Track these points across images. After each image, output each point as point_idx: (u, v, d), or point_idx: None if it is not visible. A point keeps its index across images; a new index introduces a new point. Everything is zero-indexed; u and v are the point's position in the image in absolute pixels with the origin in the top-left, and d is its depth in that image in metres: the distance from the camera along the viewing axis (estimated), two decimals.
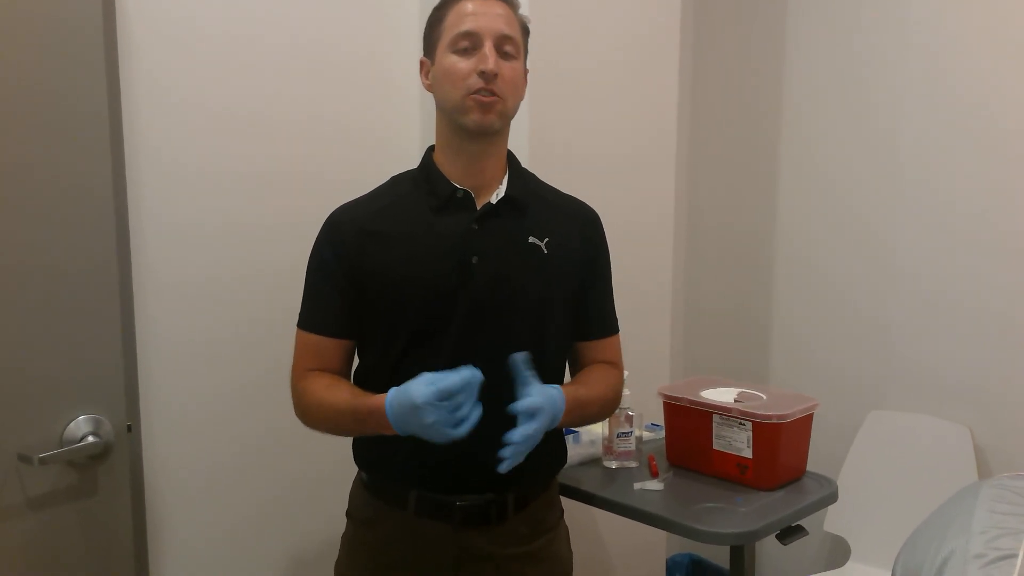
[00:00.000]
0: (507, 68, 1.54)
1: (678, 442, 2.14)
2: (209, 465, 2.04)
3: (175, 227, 1.94)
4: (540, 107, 2.22)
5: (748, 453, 1.98)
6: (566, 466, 1.83)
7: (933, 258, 2.65)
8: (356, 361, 1.69)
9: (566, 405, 1.52)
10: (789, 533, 1.90)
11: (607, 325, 1.75)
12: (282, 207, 2.10)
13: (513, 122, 1.64)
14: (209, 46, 1.96)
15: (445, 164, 1.62)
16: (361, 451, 1.69)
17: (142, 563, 1.91)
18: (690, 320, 3.28)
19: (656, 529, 1.95)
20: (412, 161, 1.71)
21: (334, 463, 1.90)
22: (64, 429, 1.58)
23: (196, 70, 1.95)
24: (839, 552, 2.82)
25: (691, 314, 3.28)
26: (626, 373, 1.82)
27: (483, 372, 1.43)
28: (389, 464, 1.64)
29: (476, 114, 1.53)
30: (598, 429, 2.16)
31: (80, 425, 1.60)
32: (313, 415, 1.60)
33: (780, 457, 1.97)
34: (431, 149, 1.67)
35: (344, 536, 1.74)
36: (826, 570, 2.79)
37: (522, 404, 1.43)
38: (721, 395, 2.10)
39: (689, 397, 2.09)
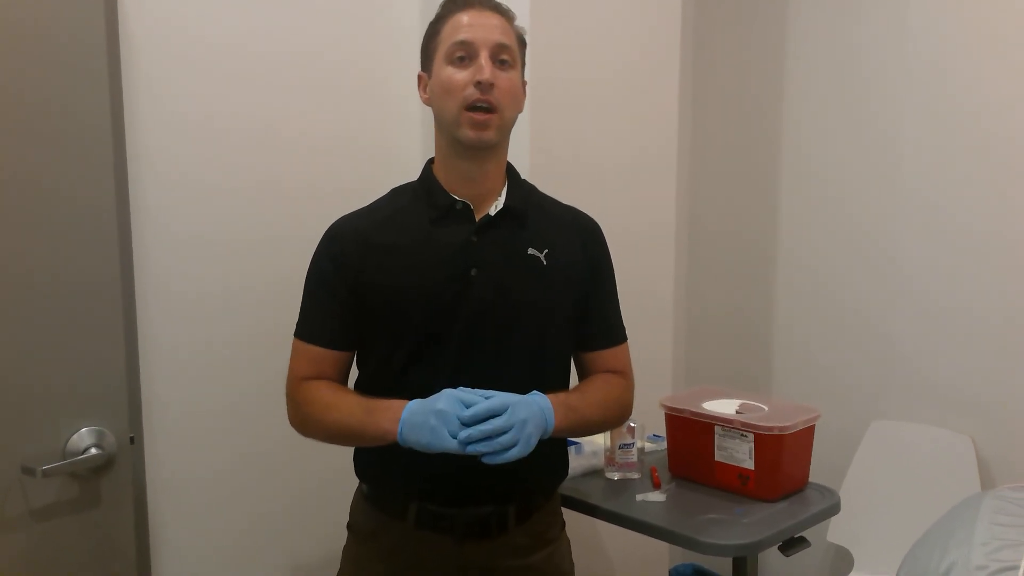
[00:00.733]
0: (504, 78, 1.55)
1: (680, 453, 2.14)
2: (211, 477, 2.04)
3: (178, 239, 1.94)
4: (541, 117, 2.22)
5: (750, 464, 1.98)
6: (568, 477, 1.83)
7: (935, 267, 2.65)
8: (354, 373, 1.69)
9: (555, 407, 1.51)
10: (792, 544, 1.89)
11: (612, 335, 1.74)
12: (284, 219, 2.10)
13: (513, 132, 1.65)
14: (211, 60, 1.97)
15: (444, 176, 1.63)
16: (362, 463, 1.69)
17: (144, 575, 1.91)
18: (692, 329, 3.28)
19: (658, 540, 1.94)
20: (412, 173, 1.72)
21: (335, 475, 1.90)
22: (67, 441, 1.58)
23: (198, 83, 1.96)
24: (842, 563, 2.81)
25: (693, 323, 3.28)
26: None
27: (482, 384, 1.47)
28: (390, 476, 1.63)
29: (471, 131, 1.53)
30: (600, 440, 2.16)
31: (83, 437, 1.60)
32: (315, 417, 1.59)
33: (782, 468, 1.97)
34: (431, 161, 1.68)
35: (345, 548, 1.74)
36: None
37: (480, 410, 1.43)
38: (723, 406, 2.10)
39: (691, 408, 2.08)
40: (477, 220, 1.60)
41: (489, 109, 1.53)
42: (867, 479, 2.72)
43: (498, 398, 1.44)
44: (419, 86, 1.66)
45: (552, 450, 1.69)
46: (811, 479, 2.07)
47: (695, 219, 3.26)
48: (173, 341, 1.95)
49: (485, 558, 1.63)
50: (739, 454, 2.00)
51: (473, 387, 1.48)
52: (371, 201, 1.71)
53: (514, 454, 1.42)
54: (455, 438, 1.41)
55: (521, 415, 1.43)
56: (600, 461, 2.16)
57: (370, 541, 1.68)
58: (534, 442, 1.45)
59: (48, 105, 1.53)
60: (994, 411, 2.54)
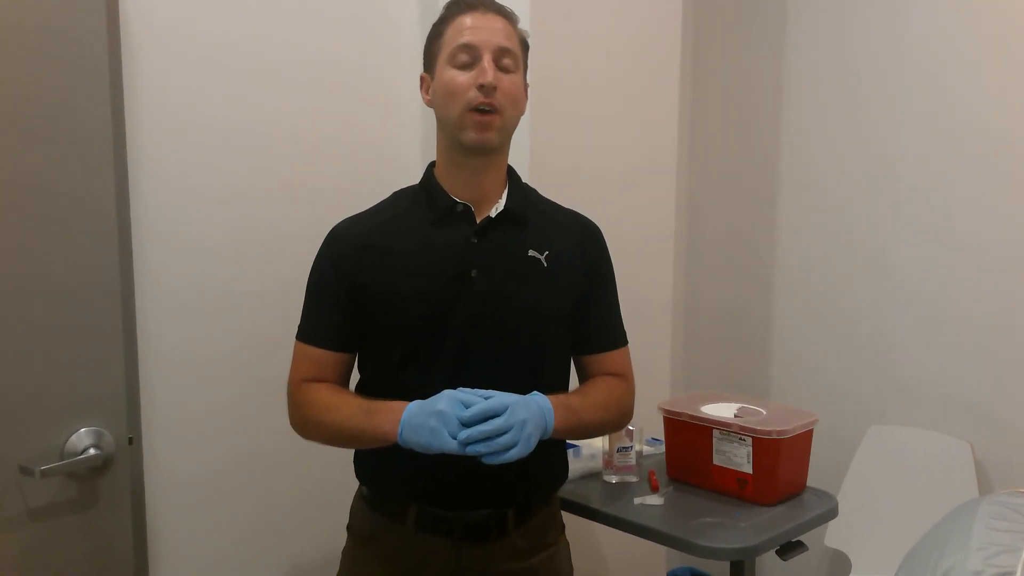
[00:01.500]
0: (506, 81, 1.55)
1: (678, 457, 2.14)
2: (210, 478, 2.04)
3: (177, 241, 1.95)
4: (541, 121, 2.23)
5: (748, 468, 1.98)
6: (566, 480, 1.83)
7: (933, 272, 2.66)
8: (355, 376, 1.70)
9: (555, 408, 1.51)
10: (789, 548, 1.90)
11: (612, 338, 1.74)
12: (283, 221, 2.10)
13: (514, 136, 1.65)
14: (212, 62, 1.98)
15: (445, 179, 1.63)
16: (362, 465, 1.69)
17: (142, 575, 1.91)
18: (690, 334, 3.28)
19: (656, 544, 1.94)
20: (413, 176, 1.72)
21: (335, 477, 1.90)
22: (65, 441, 1.59)
23: (199, 85, 1.96)
24: (840, 567, 2.81)
25: (691, 327, 3.28)
26: None
27: (481, 385, 1.48)
28: (390, 479, 1.64)
29: (474, 132, 1.54)
30: (598, 443, 2.16)
31: (81, 437, 1.60)
32: (315, 419, 1.59)
33: (780, 472, 1.97)
34: (432, 165, 1.68)
35: (344, 550, 1.74)
36: None
37: (480, 410, 1.43)
38: (721, 410, 2.10)
39: (689, 412, 2.09)
40: (478, 222, 1.61)
41: (491, 111, 1.53)
42: (865, 484, 2.72)
43: (497, 398, 1.45)
44: (421, 87, 1.66)
45: (551, 453, 1.69)
46: (809, 483, 2.07)
47: (694, 224, 3.26)
48: (172, 342, 1.95)
49: (484, 561, 1.63)
50: (737, 458, 2.00)
51: (472, 388, 1.48)
52: (372, 204, 1.71)
53: (514, 454, 1.42)
54: (455, 439, 1.41)
55: (520, 415, 1.43)
56: (598, 464, 2.16)
57: (369, 543, 1.68)
58: (534, 442, 1.46)
59: (49, 106, 1.53)
60: (992, 416, 2.55)
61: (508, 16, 1.60)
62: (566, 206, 1.76)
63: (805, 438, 2.04)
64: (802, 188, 2.98)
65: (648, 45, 2.55)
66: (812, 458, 2.07)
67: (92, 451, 1.60)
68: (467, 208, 1.61)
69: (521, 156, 2.14)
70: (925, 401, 2.69)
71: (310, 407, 1.60)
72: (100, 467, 1.62)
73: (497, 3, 1.61)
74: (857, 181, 2.82)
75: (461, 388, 1.47)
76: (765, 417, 2.04)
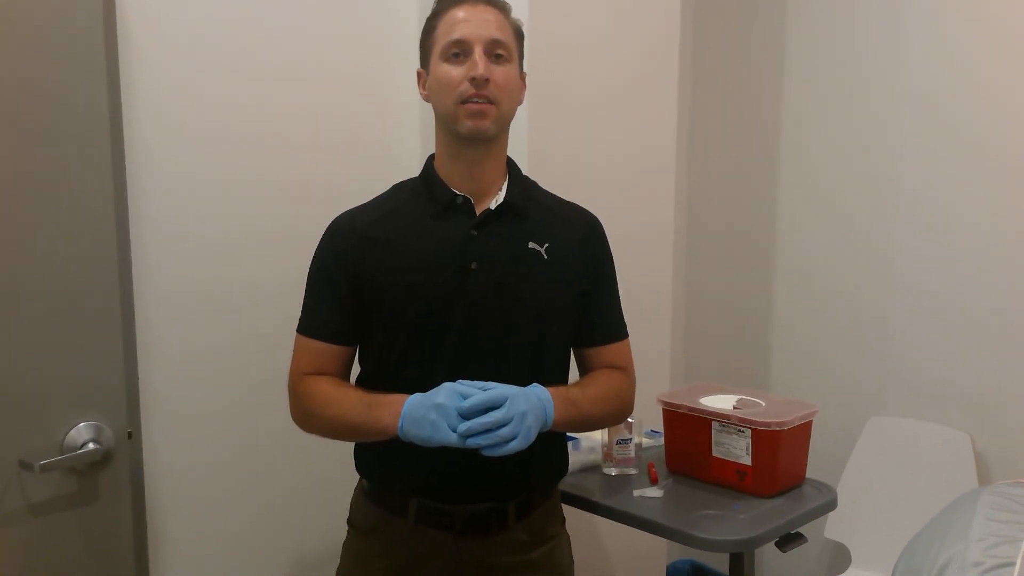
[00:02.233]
0: (499, 72, 1.55)
1: (677, 449, 2.14)
2: (210, 472, 2.04)
3: (176, 234, 1.94)
4: (539, 113, 2.22)
5: (747, 460, 1.98)
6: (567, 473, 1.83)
7: (933, 264, 2.66)
8: (356, 369, 1.70)
9: (555, 400, 1.51)
10: (788, 540, 1.90)
11: (613, 330, 1.74)
12: (282, 215, 2.10)
13: (512, 130, 1.65)
14: (210, 55, 1.97)
15: (445, 171, 1.63)
16: (363, 459, 1.69)
17: (143, 570, 1.91)
18: (690, 326, 3.29)
19: (656, 536, 1.94)
20: (412, 169, 1.72)
21: (336, 470, 1.90)
22: (65, 436, 1.59)
23: (197, 79, 1.95)
24: (839, 559, 2.82)
25: (691, 320, 3.29)
26: None
27: (482, 377, 1.48)
28: (391, 472, 1.64)
29: (469, 120, 1.53)
30: (597, 436, 2.17)
31: (81, 432, 1.60)
32: (316, 412, 1.59)
33: (779, 464, 1.98)
34: (432, 157, 1.68)
35: (345, 544, 1.74)
36: None
37: (477, 401, 1.44)
38: (720, 402, 2.10)
39: (688, 404, 2.09)
40: (477, 214, 1.61)
41: (485, 102, 1.53)
42: (864, 475, 2.73)
43: (496, 390, 1.44)
44: (418, 83, 1.66)
45: (552, 447, 1.70)
46: (808, 475, 2.07)
47: (694, 216, 3.26)
48: (171, 336, 1.95)
49: (485, 554, 1.63)
50: (736, 450, 2.00)
51: (472, 380, 1.48)
52: (371, 197, 1.71)
53: (514, 447, 1.42)
54: (455, 431, 1.41)
55: (520, 407, 1.43)
56: (598, 457, 2.16)
57: (370, 537, 1.68)
58: (534, 434, 1.45)
59: (46, 101, 1.53)
60: (992, 407, 2.55)
61: (500, 6, 1.60)
62: (566, 198, 1.76)
63: (804, 430, 2.05)
64: (802, 180, 2.97)
65: (647, 38, 2.54)
66: (811, 450, 2.07)
67: (92, 445, 1.60)
68: (467, 200, 1.61)
69: (520, 150, 2.14)
70: (925, 393, 2.69)
71: (311, 400, 1.59)
72: (100, 461, 1.62)
73: None
74: (857, 173, 2.82)
75: (461, 380, 1.47)
76: (764, 409, 2.05)
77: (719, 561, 2.94)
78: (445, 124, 1.59)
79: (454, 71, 1.54)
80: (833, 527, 2.73)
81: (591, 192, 1.92)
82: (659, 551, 2.72)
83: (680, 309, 3.20)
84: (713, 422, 2.04)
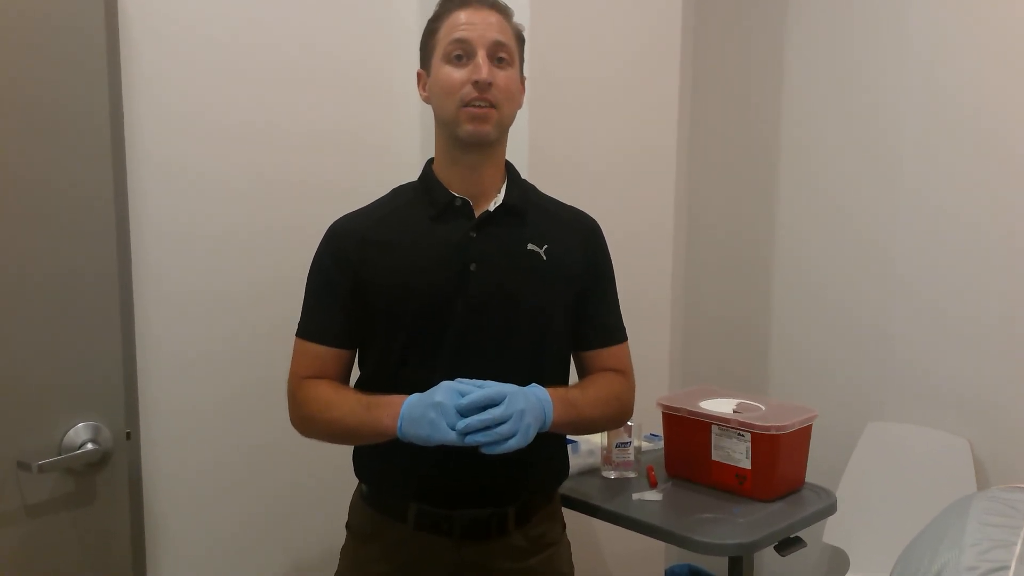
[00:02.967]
0: (501, 76, 1.55)
1: (677, 453, 2.14)
2: (208, 473, 2.04)
3: (176, 235, 1.95)
4: (539, 116, 2.23)
5: (747, 464, 1.98)
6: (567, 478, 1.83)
7: (933, 268, 2.66)
8: (356, 373, 1.70)
9: (555, 401, 1.51)
10: (787, 544, 1.90)
11: (612, 333, 1.74)
12: (282, 216, 2.10)
13: (512, 131, 1.65)
14: (211, 56, 1.97)
15: (444, 174, 1.63)
16: (362, 463, 1.69)
17: (140, 571, 1.91)
18: (689, 329, 3.29)
19: (654, 539, 1.94)
20: (412, 171, 1.72)
21: (334, 474, 1.90)
22: (63, 436, 1.59)
23: (198, 79, 1.96)
24: (838, 563, 2.81)
25: (690, 323, 3.28)
26: None
27: (482, 379, 1.47)
28: (389, 477, 1.64)
29: (470, 125, 1.54)
30: (597, 439, 2.16)
31: (79, 432, 1.60)
32: (314, 416, 1.58)
33: (779, 468, 1.97)
34: (431, 161, 1.68)
35: (343, 548, 1.74)
36: None
37: (475, 398, 1.43)
38: (720, 406, 2.10)
39: (688, 408, 2.09)
40: (476, 216, 1.61)
41: (487, 105, 1.53)
42: (863, 480, 2.72)
43: (494, 387, 1.44)
44: (418, 84, 1.66)
45: (552, 450, 1.69)
46: (808, 479, 2.07)
47: (693, 219, 3.26)
48: (170, 337, 1.95)
49: (484, 560, 1.62)
50: (736, 454, 2.00)
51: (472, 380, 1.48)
52: (371, 199, 1.71)
53: (513, 444, 1.41)
54: (454, 429, 1.40)
55: (518, 405, 1.43)
56: (597, 460, 2.16)
57: (369, 541, 1.68)
58: (532, 433, 1.45)
59: (47, 101, 1.53)
60: (991, 413, 2.55)
61: (502, 10, 1.60)
62: (566, 202, 1.76)
63: (804, 434, 2.04)
64: (802, 184, 2.97)
65: (648, 40, 2.54)
66: (811, 454, 2.07)
67: (90, 446, 1.60)
68: (466, 203, 1.61)
69: (521, 152, 2.14)
70: (924, 398, 2.69)
71: (310, 404, 1.59)
72: (98, 462, 1.63)
73: None
74: (857, 177, 2.82)
75: (459, 379, 1.47)
76: (764, 413, 2.04)
77: (718, 565, 2.94)
78: (445, 127, 1.59)
79: (456, 73, 1.54)
80: (832, 532, 2.72)
81: (591, 194, 1.93)
82: (658, 555, 2.72)
83: (680, 312, 3.20)
84: (713, 426, 2.04)
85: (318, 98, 2.17)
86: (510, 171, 1.69)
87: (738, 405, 2.10)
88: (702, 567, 3.17)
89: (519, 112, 1.65)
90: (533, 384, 1.52)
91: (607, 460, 2.13)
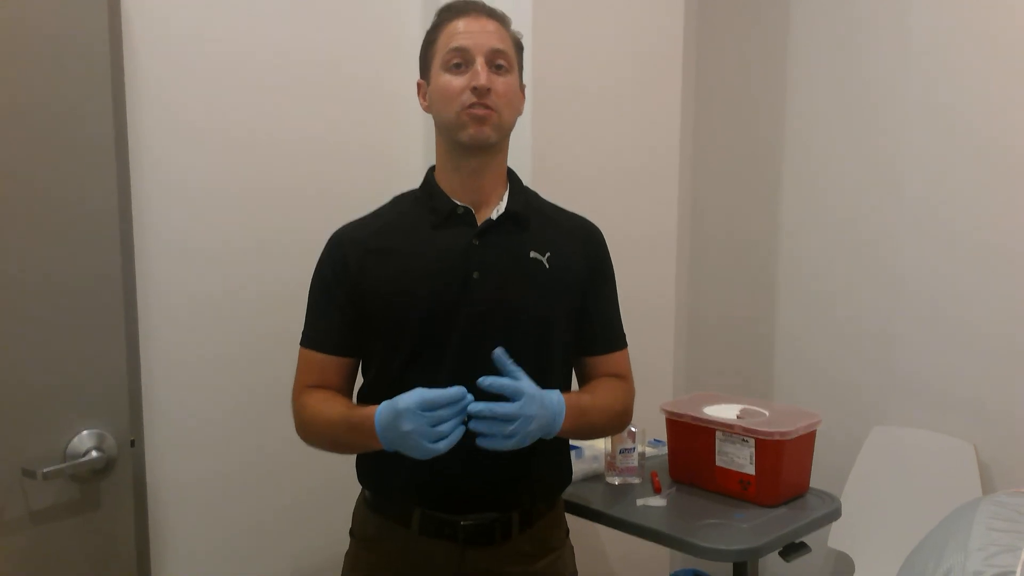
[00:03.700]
0: (500, 82, 1.55)
1: (681, 458, 2.14)
2: (212, 481, 2.04)
3: (180, 243, 1.95)
4: (542, 122, 2.23)
5: (751, 469, 1.98)
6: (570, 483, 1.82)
7: (936, 273, 2.65)
8: (359, 380, 1.70)
9: (567, 410, 1.51)
10: (792, 550, 1.89)
11: (613, 340, 1.74)
12: (286, 225, 2.11)
13: (515, 138, 1.65)
14: (214, 66, 1.98)
15: (445, 182, 1.63)
16: (365, 469, 1.69)
17: None
18: (693, 334, 3.28)
19: (659, 545, 1.94)
20: (415, 180, 1.72)
21: (337, 480, 1.90)
22: (68, 444, 1.59)
23: (201, 89, 1.96)
24: (843, 569, 2.80)
25: (694, 328, 3.28)
26: None
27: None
28: (393, 482, 1.64)
29: (471, 128, 1.54)
30: (600, 445, 2.16)
31: (84, 440, 1.61)
32: (310, 429, 1.60)
33: (783, 473, 1.97)
34: (432, 168, 1.68)
35: (347, 554, 1.74)
36: None
37: (499, 381, 1.42)
38: (723, 411, 2.10)
39: (691, 413, 2.08)
40: (479, 224, 1.61)
41: (487, 108, 1.54)
42: (868, 485, 2.72)
43: (523, 382, 1.43)
44: (419, 94, 1.67)
45: (556, 456, 1.70)
46: (812, 484, 2.07)
47: (697, 224, 3.26)
48: (174, 344, 1.96)
49: (489, 565, 1.62)
50: (740, 459, 2.00)
51: (474, 392, 1.47)
52: (374, 208, 1.71)
53: (509, 445, 1.42)
54: (435, 441, 1.39)
55: (529, 411, 1.42)
56: (601, 466, 2.16)
57: (373, 547, 1.68)
58: (530, 440, 1.45)
59: (52, 110, 1.54)
60: (996, 417, 2.54)
61: (500, 18, 1.61)
62: (568, 208, 1.76)
63: (808, 439, 2.04)
64: (805, 189, 2.97)
65: (650, 46, 2.55)
66: (815, 459, 2.07)
67: (94, 453, 1.60)
68: (468, 211, 1.61)
69: (523, 158, 2.15)
70: (928, 402, 2.68)
71: (306, 416, 1.60)
72: (102, 469, 1.63)
73: (488, 6, 1.62)
74: (860, 181, 2.82)
75: (420, 388, 1.43)
76: (768, 418, 2.04)
77: (722, 571, 2.93)
78: (446, 133, 1.59)
79: (455, 81, 1.55)
80: (837, 537, 2.72)
81: (595, 201, 1.93)
82: (662, 560, 2.72)
83: (683, 318, 3.20)
84: (716, 431, 2.04)
85: (321, 107, 2.17)
86: (512, 178, 1.69)
87: (742, 411, 2.10)
88: (706, 573, 3.17)
89: (521, 119, 1.65)
90: (556, 391, 1.51)
91: (611, 466, 2.13)
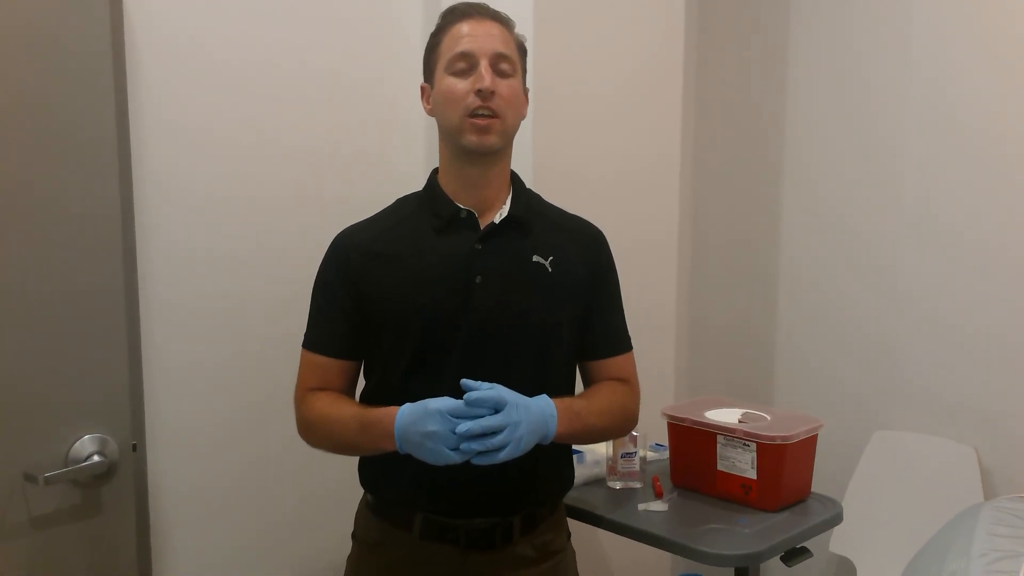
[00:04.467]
0: (504, 86, 1.56)
1: (682, 463, 2.14)
2: (214, 485, 2.04)
3: (181, 249, 1.95)
4: (544, 127, 2.23)
5: (752, 474, 1.98)
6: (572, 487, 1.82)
7: (937, 278, 2.65)
8: (361, 384, 1.70)
9: (560, 413, 1.51)
10: (794, 555, 1.89)
11: (616, 344, 1.74)
12: (287, 230, 2.11)
13: (517, 141, 1.66)
14: (217, 72, 1.98)
15: (448, 185, 1.64)
16: (367, 473, 1.69)
17: None
18: (694, 339, 3.28)
19: (660, 550, 1.94)
20: (416, 184, 1.72)
21: (340, 485, 1.90)
22: (69, 448, 1.59)
23: (203, 96, 1.96)
24: (845, 573, 2.80)
25: (695, 333, 3.28)
26: None
27: None
28: (395, 486, 1.63)
29: (474, 135, 1.54)
30: (602, 449, 2.16)
31: (85, 444, 1.61)
32: (316, 429, 1.60)
33: (784, 478, 1.97)
34: (435, 171, 1.68)
35: (349, 558, 1.74)
36: None
37: (480, 392, 1.43)
38: (725, 415, 2.09)
39: (693, 418, 2.08)
40: (482, 228, 1.61)
41: (491, 115, 1.54)
42: (869, 489, 2.72)
43: (496, 390, 1.44)
44: (422, 97, 1.67)
45: (558, 460, 1.70)
46: (813, 489, 2.06)
47: (698, 230, 3.25)
48: (176, 349, 1.96)
49: (490, 569, 1.62)
50: (741, 464, 2.00)
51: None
52: (375, 212, 1.71)
53: (503, 456, 1.42)
54: (454, 448, 1.41)
55: (515, 417, 1.43)
56: (602, 470, 2.16)
57: (375, 551, 1.68)
58: (525, 445, 1.45)
59: (54, 115, 1.54)
60: (997, 422, 2.54)
61: (504, 22, 1.61)
62: (570, 212, 1.76)
63: (809, 444, 2.04)
64: (806, 194, 2.98)
65: (651, 51, 2.55)
66: (816, 464, 2.07)
67: (96, 458, 1.60)
68: (471, 215, 1.62)
69: (525, 162, 2.14)
70: (930, 407, 2.68)
71: (311, 418, 1.60)
72: (104, 474, 1.63)
73: (492, 9, 1.62)
74: (861, 187, 2.82)
75: (447, 396, 1.45)
76: (769, 423, 2.04)
77: (724, 574, 2.93)
78: (450, 138, 1.59)
79: (459, 84, 1.55)
80: (838, 542, 2.71)
81: (596, 205, 1.93)
82: (663, 565, 2.72)
83: (684, 322, 3.19)
84: (718, 436, 2.04)
85: (323, 113, 2.17)
86: (515, 181, 1.69)
87: (743, 415, 2.09)
88: None
89: (523, 123, 1.66)
90: (543, 396, 1.52)
91: (612, 470, 2.13)
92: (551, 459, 1.64)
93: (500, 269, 1.59)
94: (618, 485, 2.12)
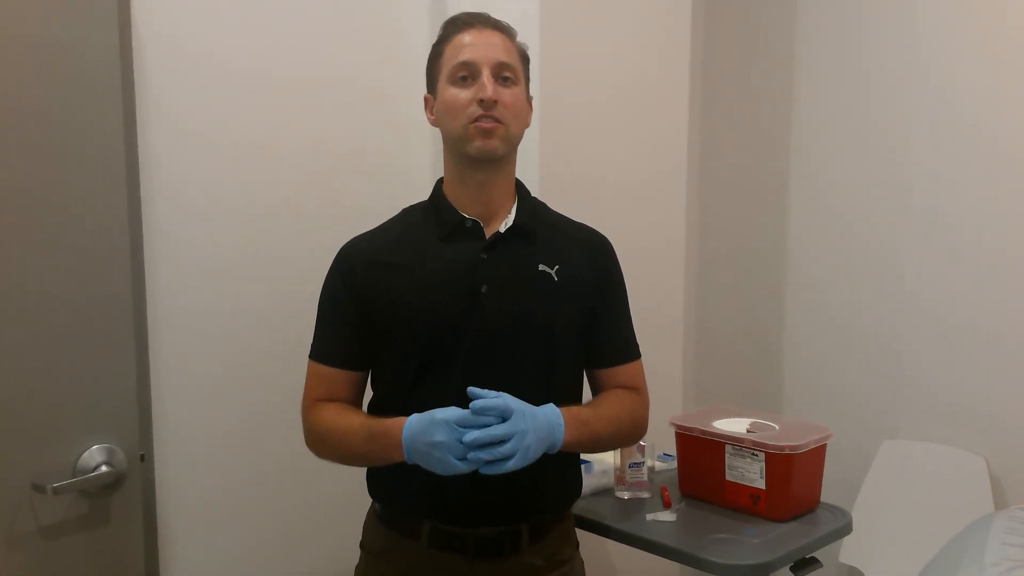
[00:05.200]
0: (507, 94, 1.56)
1: (690, 472, 2.13)
2: (222, 495, 2.04)
3: (189, 258, 1.96)
4: (550, 134, 2.23)
5: (761, 484, 1.97)
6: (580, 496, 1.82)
7: (946, 285, 2.65)
8: (368, 394, 1.70)
9: (567, 421, 1.51)
10: (803, 565, 1.88)
11: (625, 351, 1.73)
12: (295, 238, 2.11)
13: (523, 150, 1.66)
14: (224, 81, 1.99)
15: (453, 195, 1.64)
16: (375, 482, 1.69)
17: None
18: (702, 347, 3.27)
19: (668, 560, 1.93)
20: (423, 192, 1.73)
21: (347, 494, 1.89)
22: (78, 459, 1.59)
23: (211, 104, 1.97)
24: None
25: (703, 341, 3.27)
26: None
27: None
28: (403, 495, 1.63)
29: (478, 140, 1.54)
30: (610, 459, 2.16)
31: (93, 455, 1.60)
32: (323, 440, 1.60)
33: (793, 488, 1.96)
34: (440, 181, 1.69)
35: (358, 568, 1.74)
36: None
37: (487, 401, 1.44)
38: (733, 425, 2.09)
39: (701, 427, 2.08)
40: (487, 237, 1.61)
41: (494, 120, 1.54)
42: (879, 499, 2.70)
43: (502, 398, 1.44)
44: (426, 108, 1.67)
45: (566, 470, 1.69)
46: (823, 499, 2.05)
47: (705, 237, 3.26)
48: (184, 359, 1.96)
49: None
50: (750, 473, 1.99)
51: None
52: (383, 220, 1.72)
53: (510, 466, 1.42)
54: (462, 459, 1.41)
55: (521, 425, 1.43)
56: (610, 480, 2.15)
57: (383, 560, 1.68)
58: (533, 454, 1.45)
59: (61, 124, 1.54)
60: (1007, 430, 2.53)
61: (506, 31, 1.61)
62: (576, 219, 1.76)
63: (818, 453, 2.03)
64: (813, 201, 2.97)
65: (658, 59, 2.55)
66: (826, 473, 2.06)
67: (104, 468, 1.60)
68: (476, 224, 1.62)
69: (531, 170, 2.15)
70: (939, 416, 2.67)
71: (318, 429, 1.61)
72: (112, 484, 1.63)
73: (494, 19, 1.62)
74: (869, 193, 2.81)
75: (454, 407, 1.46)
76: (778, 432, 2.03)
77: None
78: (454, 147, 1.60)
79: (462, 94, 1.55)
80: (848, 551, 2.70)
81: (603, 213, 1.93)
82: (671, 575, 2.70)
83: (692, 330, 3.19)
84: (726, 445, 2.03)
85: (331, 121, 2.18)
86: (520, 190, 1.69)
87: (752, 424, 2.09)
88: None
89: (529, 130, 1.65)
90: (550, 404, 1.52)
91: (620, 480, 2.12)
92: (559, 468, 1.63)
93: (505, 278, 1.59)
94: (626, 495, 2.11)
